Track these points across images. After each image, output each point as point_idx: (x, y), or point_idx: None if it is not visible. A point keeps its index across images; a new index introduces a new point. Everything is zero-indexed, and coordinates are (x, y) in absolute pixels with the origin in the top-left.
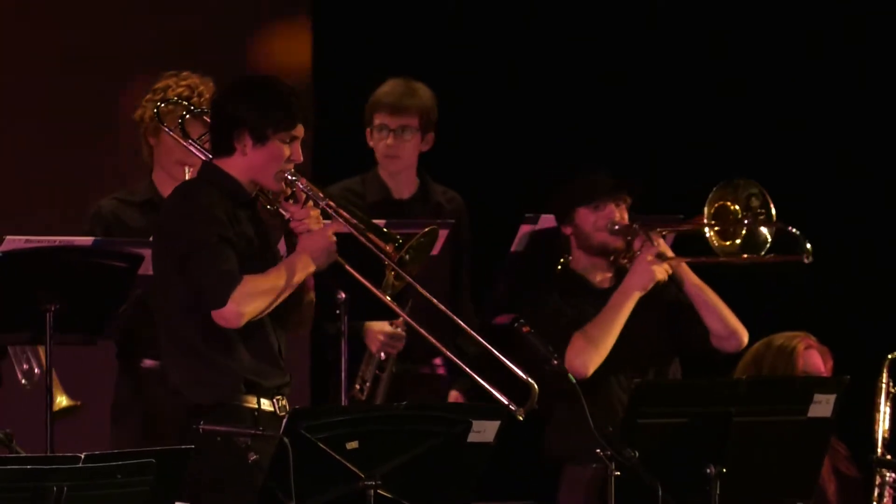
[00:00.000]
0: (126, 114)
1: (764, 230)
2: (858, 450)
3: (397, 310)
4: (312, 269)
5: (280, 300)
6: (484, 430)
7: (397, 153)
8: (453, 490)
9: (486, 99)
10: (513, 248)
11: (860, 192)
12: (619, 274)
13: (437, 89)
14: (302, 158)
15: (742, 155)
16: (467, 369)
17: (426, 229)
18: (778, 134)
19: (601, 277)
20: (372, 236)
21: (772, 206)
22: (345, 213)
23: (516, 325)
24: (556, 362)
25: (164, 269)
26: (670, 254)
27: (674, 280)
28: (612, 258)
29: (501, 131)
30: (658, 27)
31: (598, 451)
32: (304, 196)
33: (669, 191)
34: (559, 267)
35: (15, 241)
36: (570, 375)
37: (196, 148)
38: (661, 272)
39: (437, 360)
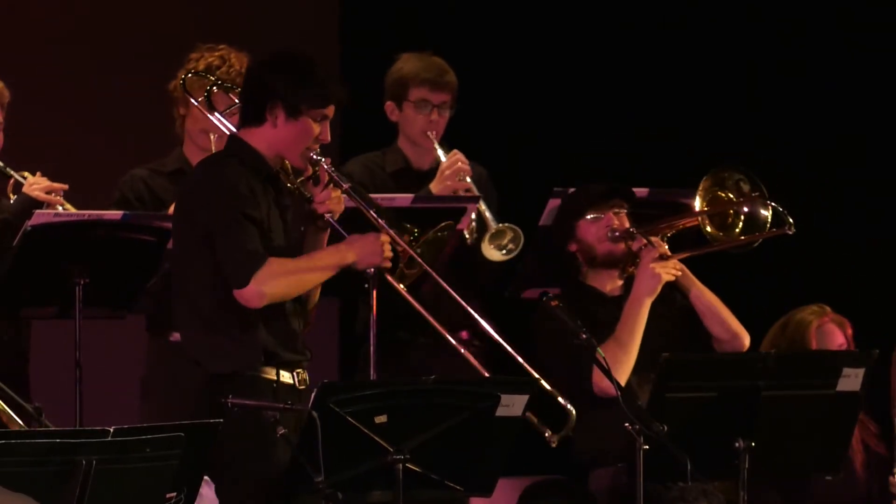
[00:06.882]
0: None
1: (763, 212)
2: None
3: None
4: (348, 263)
5: (308, 286)
6: (513, 405)
7: (440, 128)
8: (482, 464)
9: (516, 72)
10: (541, 222)
11: (878, 166)
12: (629, 281)
13: (467, 61)
14: (329, 139)
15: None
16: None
17: (443, 224)
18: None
19: (611, 286)
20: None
21: (761, 185)
22: (362, 202)
23: (545, 299)
24: (584, 336)
25: (185, 242)
26: (669, 253)
27: (678, 288)
28: (621, 268)
29: (531, 105)
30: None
31: (626, 424)
32: (326, 177)
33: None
34: (569, 284)
35: (44, 215)
36: (599, 349)
37: (221, 121)
38: (666, 273)
39: (465, 334)
